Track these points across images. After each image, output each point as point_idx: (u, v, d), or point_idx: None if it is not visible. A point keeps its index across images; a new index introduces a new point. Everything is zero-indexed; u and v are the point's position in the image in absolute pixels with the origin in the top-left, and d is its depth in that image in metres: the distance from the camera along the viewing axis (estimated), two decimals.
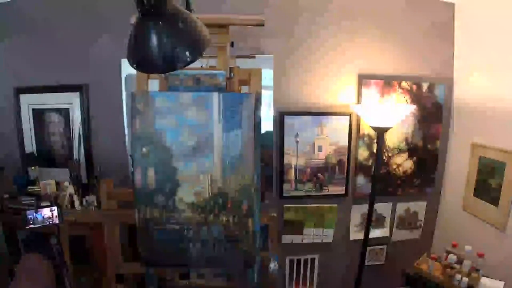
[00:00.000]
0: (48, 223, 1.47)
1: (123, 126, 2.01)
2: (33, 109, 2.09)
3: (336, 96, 2.04)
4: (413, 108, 2.00)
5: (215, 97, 1.26)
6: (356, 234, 2.24)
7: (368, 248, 2.19)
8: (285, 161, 2.05)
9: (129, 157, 1.98)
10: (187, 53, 0.80)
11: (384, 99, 2.04)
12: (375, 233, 2.23)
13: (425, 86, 2.07)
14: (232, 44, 1.42)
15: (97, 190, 1.88)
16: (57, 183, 1.97)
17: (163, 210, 1.30)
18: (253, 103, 1.27)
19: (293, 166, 2.06)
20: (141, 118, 1.25)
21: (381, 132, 1.85)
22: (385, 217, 2.24)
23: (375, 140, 2.04)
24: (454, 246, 1.67)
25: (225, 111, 1.26)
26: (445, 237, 2.21)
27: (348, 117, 2.05)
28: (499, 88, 1.76)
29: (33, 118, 2.10)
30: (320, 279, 2.32)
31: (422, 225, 2.30)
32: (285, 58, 1.97)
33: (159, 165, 1.27)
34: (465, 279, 1.52)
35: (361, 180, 2.14)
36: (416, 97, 2.07)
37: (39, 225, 1.47)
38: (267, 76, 1.94)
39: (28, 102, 2.08)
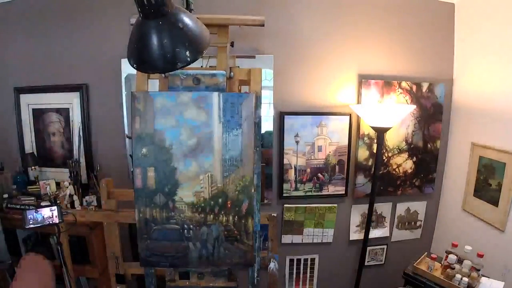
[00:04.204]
0: (48, 223, 1.47)
1: (123, 126, 2.01)
2: (33, 109, 2.09)
3: (336, 96, 2.04)
4: (413, 108, 2.00)
5: (215, 97, 1.26)
6: (356, 234, 2.24)
7: (368, 248, 2.19)
8: (285, 161, 2.05)
9: (129, 157, 1.98)
10: (187, 53, 0.80)
11: (384, 99, 2.04)
12: (375, 233, 2.23)
13: (425, 86, 2.07)
14: (232, 44, 1.43)
15: (97, 190, 1.88)
16: (57, 183, 1.97)
17: (163, 210, 1.30)
18: (253, 103, 1.27)
19: (293, 166, 2.06)
20: (141, 118, 1.26)
21: (381, 132, 1.85)
22: (385, 217, 2.24)
23: (375, 140, 2.04)
24: (454, 246, 1.67)
25: (225, 111, 1.26)
26: (445, 237, 2.21)
27: (348, 117, 2.05)
28: (499, 88, 1.76)
29: (33, 118, 2.10)
30: (320, 279, 2.32)
31: (422, 225, 2.30)
32: (285, 58, 1.97)
33: (159, 165, 1.27)
34: (465, 279, 1.52)
35: (361, 180, 2.14)
36: (416, 97, 2.07)
37: (39, 225, 1.47)
38: (267, 76, 1.95)
39: (28, 102, 2.08)
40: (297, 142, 2.04)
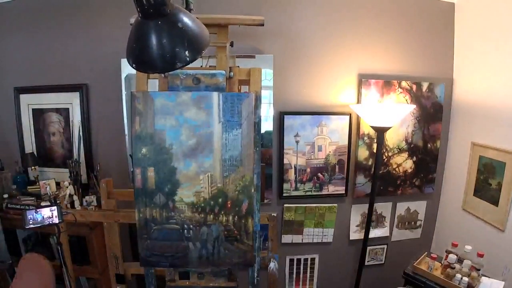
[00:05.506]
0: (48, 223, 1.47)
1: (123, 126, 2.01)
2: (33, 109, 2.09)
3: (336, 96, 2.04)
4: (413, 107, 2.00)
5: (215, 96, 1.26)
6: (356, 234, 2.24)
7: (368, 248, 2.19)
8: (285, 161, 2.04)
9: (129, 157, 1.98)
10: (187, 52, 0.80)
11: (384, 99, 2.04)
12: (375, 233, 2.23)
13: (425, 86, 2.07)
14: (232, 44, 1.43)
15: (97, 190, 1.88)
16: (57, 183, 1.97)
17: (163, 210, 1.30)
18: (253, 103, 1.27)
19: (293, 166, 2.06)
20: (141, 118, 1.26)
21: (381, 132, 1.85)
22: (385, 217, 2.24)
23: (375, 140, 2.04)
24: (454, 245, 1.67)
25: (225, 111, 1.26)
26: (445, 236, 2.21)
27: (348, 117, 2.05)
28: (499, 88, 1.75)
29: (33, 118, 2.10)
30: (320, 278, 2.32)
31: (422, 224, 2.30)
32: (285, 58, 1.97)
33: (159, 165, 1.27)
34: (465, 279, 1.52)
35: (361, 180, 2.13)
36: (416, 97, 2.07)
37: (39, 225, 1.47)
38: (267, 76, 1.95)
39: (28, 102, 2.08)
40: (297, 142, 2.04)
